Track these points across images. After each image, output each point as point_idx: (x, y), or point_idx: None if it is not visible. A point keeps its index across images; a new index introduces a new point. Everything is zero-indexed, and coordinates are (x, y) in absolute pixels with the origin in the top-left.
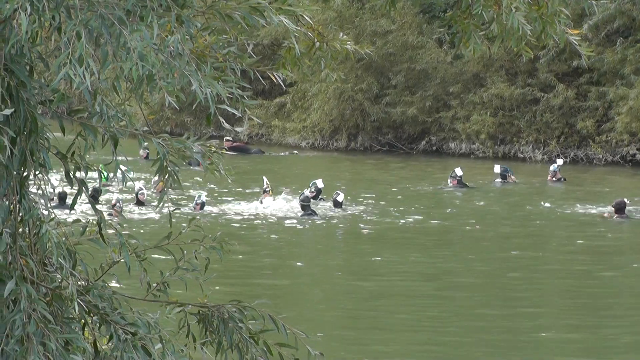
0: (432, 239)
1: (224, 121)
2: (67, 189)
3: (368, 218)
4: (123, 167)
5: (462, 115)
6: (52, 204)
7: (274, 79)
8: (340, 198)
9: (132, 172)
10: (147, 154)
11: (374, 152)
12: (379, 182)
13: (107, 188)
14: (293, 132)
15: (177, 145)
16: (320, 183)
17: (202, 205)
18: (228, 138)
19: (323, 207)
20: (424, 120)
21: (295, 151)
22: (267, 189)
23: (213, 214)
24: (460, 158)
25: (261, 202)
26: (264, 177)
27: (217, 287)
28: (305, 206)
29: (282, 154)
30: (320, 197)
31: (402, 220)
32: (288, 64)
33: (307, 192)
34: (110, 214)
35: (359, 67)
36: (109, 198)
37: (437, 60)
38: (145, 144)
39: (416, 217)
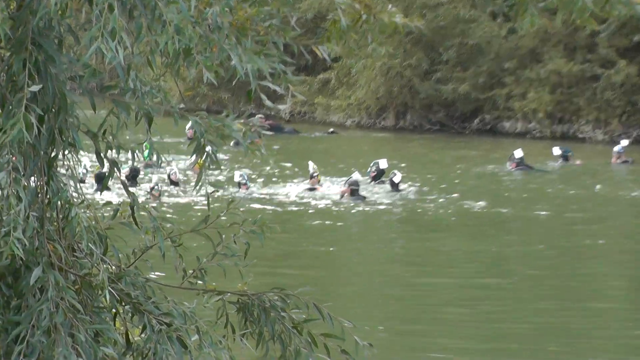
0: (494, 225)
1: (265, 98)
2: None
3: (426, 203)
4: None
5: (518, 92)
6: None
7: (319, 54)
8: (397, 178)
9: (169, 154)
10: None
11: (424, 131)
12: (433, 163)
13: (150, 169)
14: (337, 109)
15: (215, 123)
16: (383, 163)
17: (247, 185)
18: (260, 115)
19: (378, 190)
20: (477, 97)
21: (332, 129)
22: (314, 174)
23: (254, 198)
24: (515, 138)
25: (309, 190)
26: (310, 162)
27: (257, 274)
28: (354, 190)
29: (316, 134)
30: (381, 179)
31: (458, 204)
32: (333, 38)
33: (356, 175)
34: (148, 198)
35: (408, 42)
36: (149, 179)
37: (491, 34)
38: (189, 124)
39: (475, 201)
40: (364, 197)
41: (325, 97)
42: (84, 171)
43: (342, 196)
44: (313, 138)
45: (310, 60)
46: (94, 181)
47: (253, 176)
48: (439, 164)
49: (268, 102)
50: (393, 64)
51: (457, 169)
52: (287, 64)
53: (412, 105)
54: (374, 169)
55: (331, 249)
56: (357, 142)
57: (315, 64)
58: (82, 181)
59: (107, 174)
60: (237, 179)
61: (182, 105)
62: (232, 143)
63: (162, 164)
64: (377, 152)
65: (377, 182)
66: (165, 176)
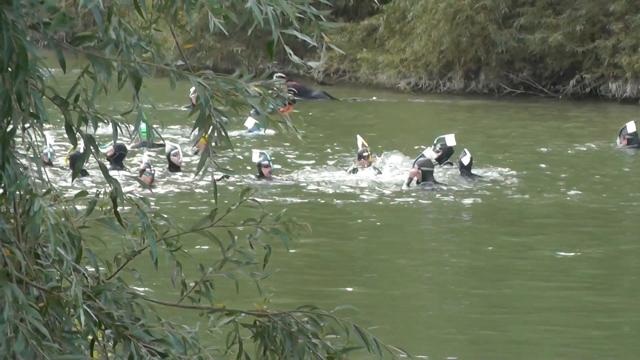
0: (602, 222)
1: (291, 52)
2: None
3: (510, 193)
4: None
5: (627, 44)
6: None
7: None
8: (467, 160)
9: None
10: None
11: (502, 95)
12: (515, 138)
13: (144, 147)
14: (388, 67)
15: (224, 86)
16: (451, 139)
17: (270, 168)
18: (279, 74)
19: (445, 174)
20: (573, 51)
21: (375, 97)
22: (364, 153)
23: (278, 186)
24: (624, 104)
25: (354, 171)
26: (359, 137)
27: (280, 289)
28: (427, 173)
29: (351, 99)
30: (447, 160)
31: (553, 194)
32: None
33: (428, 152)
34: (137, 186)
35: None
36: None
37: None
38: (193, 89)
39: (576, 190)
40: (439, 183)
41: (372, 51)
42: (50, 150)
43: (409, 182)
44: (351, 104)
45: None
46: (67, 165)
47: (277, 157)
48: (524, 139)
49: (295, 58)
50: (461, 5)
51: (548, 147)
52: (321, 6)
53: (486, 61)
54: (438, 146)
55: (383, 253)
56: (414, 111)
57: (358, 7)
58: (49, 164)
59: (81, 153)
60: (256, 159)
61: (180, 62)
62: (251, 112)
63: (158, 142)
64: (441, 124)
65: (443, 163)
66: (164, 157)
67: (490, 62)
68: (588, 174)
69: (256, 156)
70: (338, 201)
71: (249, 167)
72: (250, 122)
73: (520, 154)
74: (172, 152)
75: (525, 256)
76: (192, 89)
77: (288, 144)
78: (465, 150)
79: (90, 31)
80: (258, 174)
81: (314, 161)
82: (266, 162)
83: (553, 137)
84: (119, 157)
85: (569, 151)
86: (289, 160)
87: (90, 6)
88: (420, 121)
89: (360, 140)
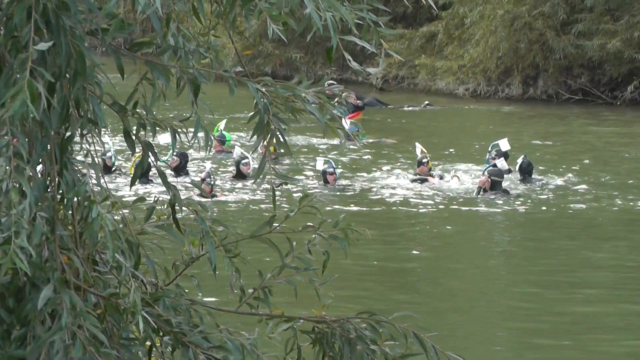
0: None
1: (350, 59)
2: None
3: (574, 201)
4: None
5: None
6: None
7: (423, 0)
8: (521, 162)
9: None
10: None
11: (560, 102)
12: (574, 144)
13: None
14: (446, 73)
15: (283, 92)
16: (504, 144)
17: (335, 175)
18: (330, 82)
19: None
20: (631, 57)
21: (427, 102)
22: (424, 160)
23: (338, 194)
24: None
25: (420, 181)
26: (418, 145)
27: (340, 295)
28: (496, 183)
29: (406, 107)
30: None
31: (620, 203)
32: None
33: (500, 162)
34: (199, 194)
35: None
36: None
37: None
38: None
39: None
40: (508, 192)
41: (430, 57)
42: (112, 154)
43: (479, 191)
44: (406, 112)
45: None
46: (131, 173)
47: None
48: (583, 145)
49: (355, 64)
50: (519, 12)
51: (608, 153)
52: (380, 13)
53: (544, 67)
54: (493, 153)
55: (443, 263)
56: (472, 117)
57: (417, 13)
58: (110, 167)
59: (139, 161)
60: (320, 167)
61: (239, 69)
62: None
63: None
64: (499, 130)
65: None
66: (232, 166)
67: (548, 68)
68: None
69: (320, 164)
70: (402, 208)
71: (310, 174)
72: (344, 123)
73: (581, 158)
74: (243, 162)
75: (593, 264)
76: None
77: (349, 150)
78: (524, 155)
79: (149, 37)
80: (323, 182)
81: (376, 168)
82: (331, 170)
83: (613, 142)
84: (183, 166)
85: (634, 156)
86: (354, 167)
87: (149, 12)
88: (477, 128)
89: (419, 147)
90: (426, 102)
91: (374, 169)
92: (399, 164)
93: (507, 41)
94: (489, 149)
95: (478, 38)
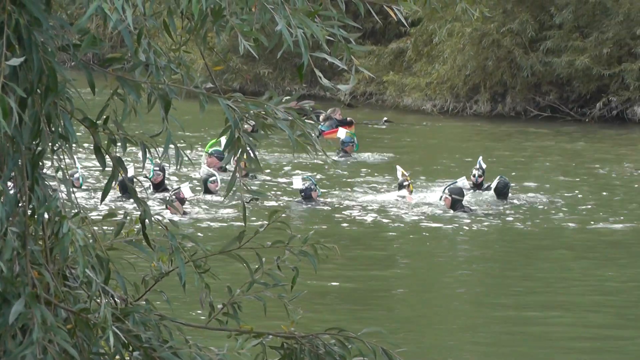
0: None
1: (321, 76)
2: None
3: (542, 217)
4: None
5: None
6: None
7: (393, 15)
8: (495, 184)
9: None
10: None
11: (529, 118)
12: (543, 163)
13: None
14: (414, 89)
15: (254, 108)
16: (480, 163)
17: (316, 192)
18: (286, 97)
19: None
20: (600, 74)
21: (385, 118)
22: (404, 183)
23: (321, 210)
24: None
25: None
26: (398, 167)
27: (309, 311)
28: (456, 202)
29: (365, 122)
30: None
31: (587, 221)
32: None
33: (461, 182)
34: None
35: (509, 0)
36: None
37: None
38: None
39: (612, 217)
40: (470, 209)
41: (399, 74)
42: (80, 174)
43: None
44: (374, 129)
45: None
46: (116, 189)
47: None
48: (552, 163)
49: (325, 81)
50: (488, 29)
51: (579, 170)
52: (350, 29)
53: (513, 85)
54: (480, 171)
55: (411, 277)
56: (438, 134)
57: (385, 29)
58: (78, 188)
59: (110, 177)
60: (298, 185)
61: (210, 85)
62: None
63: (188, 165)
64: (466, 147)
65: (484, 188)
66: (199, 181)
67: (516, 86)
68: (626, 198)
69: (298, 182)
70: (372, 224)
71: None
72: (342, 132)
73: (551, 176)
74: (210, 179)
75: (555, 279)
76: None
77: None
78: (500, 176)
79: (120, 53)
80: (304, 198)
81: (347, 186)
82: (312, 187)
83: (583, 160)
84: (162, 182)
85: (601, 174)
86: (330, 183)
87: (120, 28)
88: (444, 144)
89: (400, 170)
90: (385, 118)
91: (354, 185)
92: (379, 180)
93: (475, 59)
94: (476, 166)
95: (447, 55)
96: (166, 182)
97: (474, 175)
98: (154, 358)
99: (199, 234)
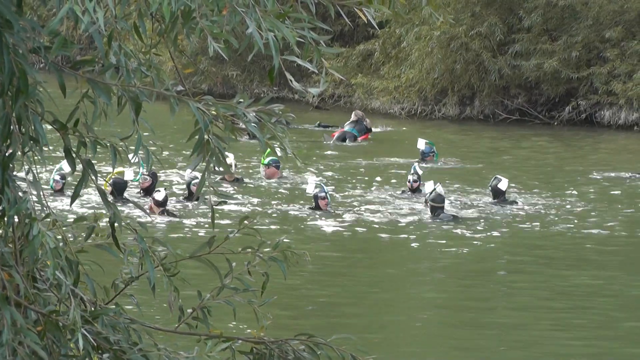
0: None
1: (292, 79)
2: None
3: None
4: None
5: (623, 71)
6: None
7: (362, 17)
8: (504, 185)
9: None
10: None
11: (497, 122)
12: (516, 166)
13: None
14: (382, 92)
15: (224, 111)
16: (416, 168)
17: (327, 199)
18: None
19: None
20: (568, 77)
21: (318, 122)
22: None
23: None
24: (618, 131)
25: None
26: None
27: (278, 316)
28: (436, 208)
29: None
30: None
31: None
32: None
33: (439, 189)
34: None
35: (477, 2)
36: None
37: None
38: (189, 171)
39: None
40: (454, 216)
41: (367, 76)
42: (58, 179)
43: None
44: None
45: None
46: (107, 190)
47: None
48: (524, 166)
49: (296, 85)
50: (456, 32)
51: (554, 175)
52: (319, 31)
53: (481, 88)
54: (416, 176)
55: (385, 282)
56: (404, 137)
57: (354, 31)
58: (60, 191)
59: (79, 180)
60: (312, 190)
61: (180, 88)
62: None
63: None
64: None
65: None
66: (184, 184)
67: (483, 89)
68: (609, 203)
69: (311, 187)
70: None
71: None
72: (421, 143)
73: (527, 180)
74: (193, 182)
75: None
76: (187, 173)
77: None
78: (499, 176)
79: (91, 55)
80: (315, 206)
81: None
82: (323, 194)
83: (553, 164)
84: (153, 187)
85: (576, 179)
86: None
87: (91, 30)
88: (407, 149)
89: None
90: (318, 122)
91: (364, 189)
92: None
93: (443, 62)
94: (411, 168)
95: (414, 59)
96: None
97: (409, 181)
98: None
99: (174, 235)
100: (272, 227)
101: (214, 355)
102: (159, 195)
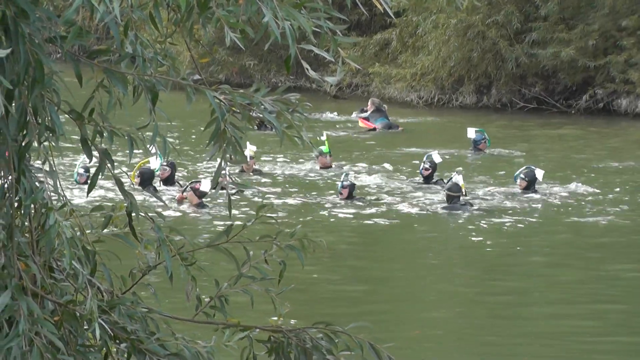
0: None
1: (308, 67)
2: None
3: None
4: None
5: (639, 60)
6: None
7: (378, 6)
8: (540, 174)
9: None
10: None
11: (515, 110)
12: (537, 155)
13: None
14: (400, 81)
15: (241, 100)
16: (437, 156)
17: (351, 188)
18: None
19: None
20: (585, 66)
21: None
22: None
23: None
24: (636, 119)
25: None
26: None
27: (296, 305)
28: (451, 198)
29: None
30: (435, 177)
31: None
32: None
33: (456, 178)
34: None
35: None
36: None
37: None
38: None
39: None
40: (470, 205)
41: (384, 65)
42: (82, 172)
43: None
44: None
45: (366, 15)
46: (134, 181)
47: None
48: (546, 153)
49: (313, 73)
50: (473, 21)
51: (571, 163)
52: (335, 21)
53: (498, 76)
54: (427, 164)
55: (402, 272)
56: (421, 126)
57: (371, 21)
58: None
59: (96, 170)
60: (346, 181)
61: (197, 77)
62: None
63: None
64: (448, 138)
65: (431, 181)
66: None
67: (501, 77)
68: (624, 192)
69: (347, 178)
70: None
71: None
72: (471, 132)
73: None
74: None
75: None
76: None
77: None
78: (532, 166)
79: (107, 45)
80: (340, 194)
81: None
82: (347, 183)
83: (573, 152)
84: (172, 176)
85: (597, 167)
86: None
87: (107, 20)
88: (425, 138)
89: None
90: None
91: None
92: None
93: (460, 51)
94: (424, 159)
95: (431, 47)
96: (177, 177)
97: (420, 169)
98: (140, 350)
99: (192, 227)
100: (292, 217)
101: (232, 344)
102: (205, 186)
